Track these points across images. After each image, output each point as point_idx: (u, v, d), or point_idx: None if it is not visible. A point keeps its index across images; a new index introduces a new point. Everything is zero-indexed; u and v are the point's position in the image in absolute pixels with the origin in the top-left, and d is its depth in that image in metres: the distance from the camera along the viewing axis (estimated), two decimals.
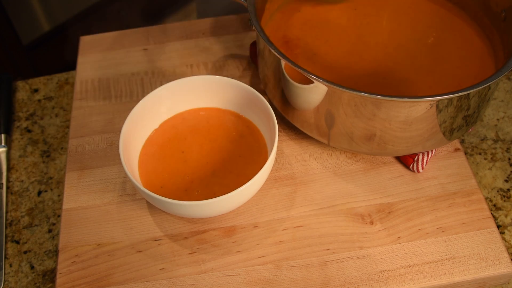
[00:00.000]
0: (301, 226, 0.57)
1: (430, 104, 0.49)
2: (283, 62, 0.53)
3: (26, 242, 0.61)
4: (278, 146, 0.61)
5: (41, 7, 1.51)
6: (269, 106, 0.57)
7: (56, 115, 0.73)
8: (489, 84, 0.49)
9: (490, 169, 0.65)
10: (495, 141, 0.67)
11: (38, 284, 0.57)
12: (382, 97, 0.49)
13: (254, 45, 0.72)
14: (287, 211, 0.58)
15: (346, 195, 0.59)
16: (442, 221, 0.57)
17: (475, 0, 0.63)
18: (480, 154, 0.66)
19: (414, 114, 0.50)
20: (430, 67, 0.60)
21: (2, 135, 0.69)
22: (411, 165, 0.60)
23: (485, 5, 0.62)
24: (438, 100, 0.49)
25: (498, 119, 0.70)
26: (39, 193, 0.65)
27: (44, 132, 0.71)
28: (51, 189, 0.65)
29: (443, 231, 0.56)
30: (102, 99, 0.70)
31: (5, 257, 0.59)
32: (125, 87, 0.71)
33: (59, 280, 0.54)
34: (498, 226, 0.60)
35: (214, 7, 0.91)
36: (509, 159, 0.65)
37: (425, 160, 0.59)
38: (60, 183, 0.65)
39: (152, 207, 0.59)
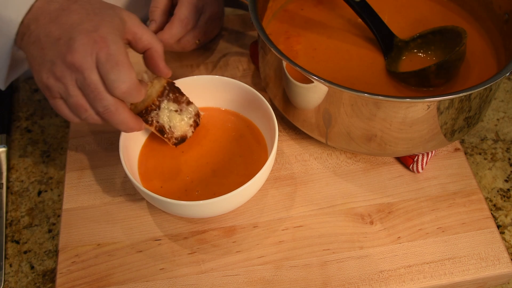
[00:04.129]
0: (301, 226, 0.57)
1: (428, 105, 0.49)
2: (285, 62, 0.53)
3: (26, 242, 0.61)
4: (278, 146, 0.61)
5: None
6: (269, 107, 0.57)
7: (56, 115, 0.73)
8: (491, 85, 0.49)
9: (490, 169, 0.65)
10: (495, 141, 0.67)
11: (38, 284, 0.57)
12: (383, 98, 0.49)
13: (254, 45, 0.72)
14: (287, 211, 0.58)
15: (346, 195, 0.59)
16: (442, 221, 0.57)
17: (479, 2, 0.63)
18: (480, 154, 0.66)
19: (415, 115, 0.50)
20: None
21: (2, 135, 0.69)
22: (411, 166, 0.60)
23: (488, 7, 0.62)
24: (439, 101, 0.49)
25: (498, 119, 0.70)
26: (39, 193, 0.65)
27: (44, 132, 0.71)
28: (51, 189, 0.65)
29: (443, 231, 0.56)
30: None
31: (5, 257, 0.59)
32: None
33: (59, 280, 0.54)
34: (498, 226, 0.60)
35: None
36: (509, 159, 0.65)
37: (425, 161, 0.59)
38: (60, 183, 0.65)
39: (152, 207, 0.59)
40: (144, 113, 0.55)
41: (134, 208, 0.59)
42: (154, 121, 0.55)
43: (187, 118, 0.58)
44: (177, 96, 0.57)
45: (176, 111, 0.56)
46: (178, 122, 0.57)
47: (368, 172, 0.61)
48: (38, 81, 0.50)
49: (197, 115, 0.59)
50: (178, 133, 0.58)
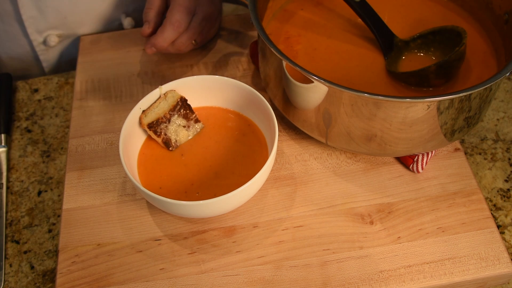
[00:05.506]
0: (301, 226, 0.57)
1: (428, 105, 0.49)
2: (285, 62, 0.53)
3: (26, 242, 0.61)
4: (278, 145, 0.61)
5: None
6: (270, 107, 0.57)
7: (56, 115, 0.73)
8: (491, 85, 0.49)
9: (490, 169, 0.65)
10: (495, 141, 0.67)
11: (38, 284, 0.57)
12: (383, 98, 0.49)
13: (254, 45, 0.72)
14: (287, 211, 0.58)
15: (346, 195, 0.59)
16: (442, 221, 0.57)
17: (479, 2, 0.63)
18: (480, 154, 0.66)
19: (415, 115, 0.50)
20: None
21: (2, 135, 0.69)
22: (411, 166, 0.60)
23: (488, 7, 0.62)
24: (439, 101, 0.49)
25: (498, 119, 0.70)
26: (39, 193, 0.65)
27: (44, 132, 0.71)
28: (51, 189, 0.65)
29: (443, 231, 0.56)
30: (102, 99, 0.70)
31: (5, 257, 0.59)
32: (125, 87, 0.71)
33: (59, 280, 0.54)
34: (498, 226, 0.60)
35: None
36: (509, 159, 0.65)
37: (425, 161, 0.59)
38: (60, 183, 0.65)
39: (152, 207, 0.59)
40: (154, 124, 0.57)
41: (134, 208, 0.59)
42: (162, 133, 0.58)
43: (192, 135, 0.60)
44: (188, 113, 0.59)
45: (184, 126, 0.59)
46: (184, 138, 0.60)
47: (368, 172, 0.61)
48: None
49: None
50: (179, 144, 0.60)
